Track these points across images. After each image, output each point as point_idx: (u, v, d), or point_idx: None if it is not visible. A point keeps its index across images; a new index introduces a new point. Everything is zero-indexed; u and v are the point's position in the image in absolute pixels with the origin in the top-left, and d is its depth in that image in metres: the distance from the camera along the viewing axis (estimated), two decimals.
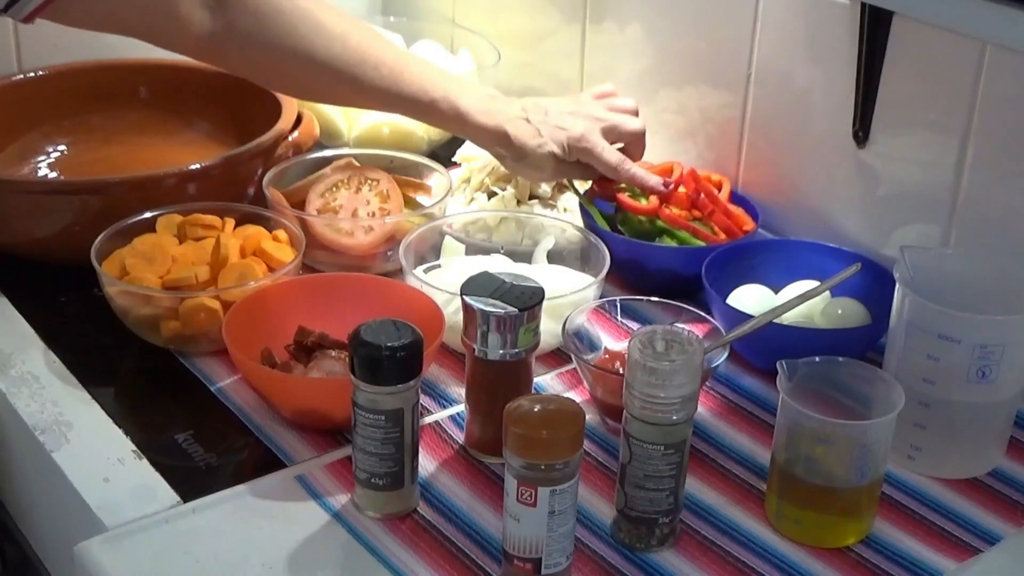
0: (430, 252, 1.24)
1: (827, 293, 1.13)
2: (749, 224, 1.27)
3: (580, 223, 1.29)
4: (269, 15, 1.12)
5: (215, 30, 1.11)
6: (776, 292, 1.18)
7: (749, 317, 1.07)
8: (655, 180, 1.24)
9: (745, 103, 1.32)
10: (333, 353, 1.07)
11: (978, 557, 0.94)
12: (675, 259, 1.23)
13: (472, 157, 1.41)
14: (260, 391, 1.05)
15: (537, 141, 1.21)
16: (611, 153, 1.23)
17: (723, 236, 1.25)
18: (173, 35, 1.13)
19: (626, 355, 0.90)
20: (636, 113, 1.29)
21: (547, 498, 0.84)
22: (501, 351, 0.97)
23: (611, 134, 1.25)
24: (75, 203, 1.23)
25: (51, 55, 1.47)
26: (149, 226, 1.19)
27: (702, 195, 1.27)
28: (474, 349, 0.98)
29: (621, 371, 1.00)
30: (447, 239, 1.25)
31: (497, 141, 1.22)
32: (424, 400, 1.08)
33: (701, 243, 1.24)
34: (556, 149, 1.22)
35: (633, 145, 1.27)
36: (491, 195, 1.38)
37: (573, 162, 1.24)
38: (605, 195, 1.28)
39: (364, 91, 1.18)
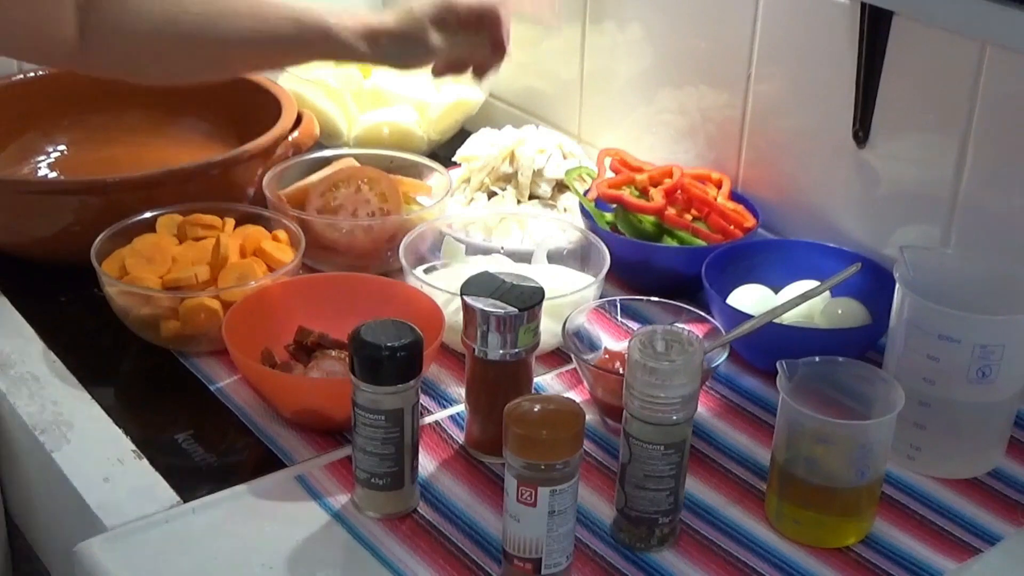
0: (430, 252, 1.24)
1: (827, 293, 1.13)
2: (750, 221, 1.27)
3: (580, 223, 1.29)
4: (132, 2, 1.08)
5: (84, 31, 1.06)
6: (776, 292, 1.18)
7: (749, 317, 1.07)
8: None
9: (745, 103, 1.32)
10: (333, 353, 1.07)
11: (978, 557, 0.94)
12: (675, 259, 1.23)
13: (472, 157, 1.41)
14: (260, 391, 1.05)
15: (413, 17, 1.14)
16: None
17: (720, 237, 1.25)
18: (48, 48, 1.09)
19: (626, 355, 0.90)
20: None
21: (547, 498, 0.84)
22: (501, 351, 0.97)
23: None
24: (75, 203, 1.23)
25: None
26: (149, 226, 1.19)
27: (692, 208, 1.28)
28: (474, 349, 0.98)
29: (621, 371, 1.00)
30: (447, 239, 1.25)
31: (370, 41, 1.14)
32: (424, 400, 1.08)
33: (701, 243, 1.24)
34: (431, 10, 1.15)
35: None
36: (491, 195, 1.38)
37: (455, 29, 1.16)
38: (606, 196, 1.28)
39: (230, 44, 1.11)
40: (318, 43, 1.13)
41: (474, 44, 1.20)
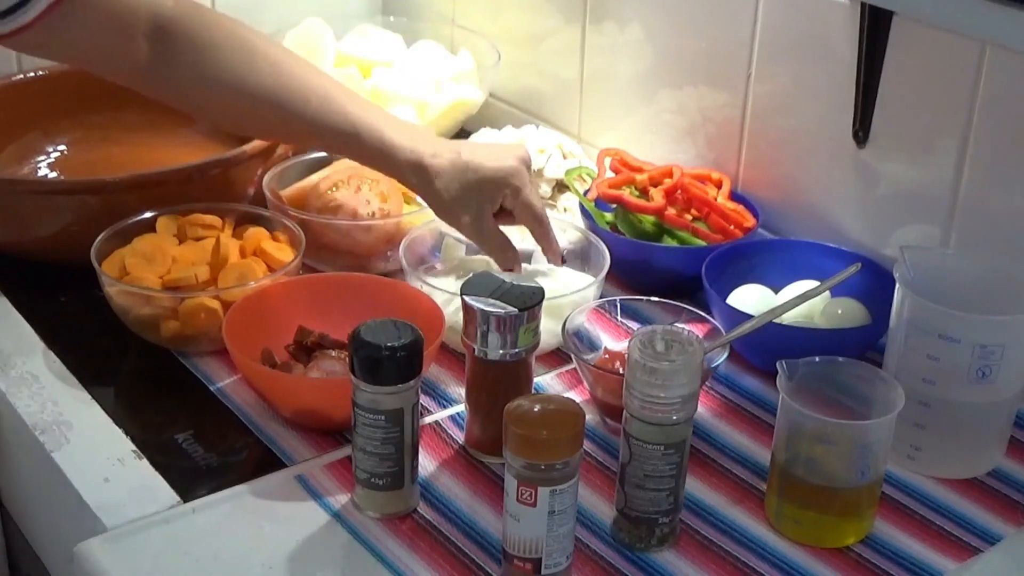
0: (430, 252, 1.24)
1: (827, 293, 1.13)
2: (750, 221, 1.27)
3: (580, 223, 1.29)
4: (207, 48, 1.11)
5: (154, 63, 1.10)
6: (776, 292, 1.18)
7: (749, 317, 1.07)
8: (557, 250, 1.17)
9: (745, 103, 1.32)
10: (333, 353, 1.07)
11: (978, 557, 0.94)
12: (675, 259, 1.23)
13: None
14: (260, 391, 1.05)
15: (463, 177, 1.12)
16: (537, 197, 1.15)
17: (720, 237, 1.25)
18: (118, 67, 1.12)
19: (626, 355, 0.90)
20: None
21: (547, 498, 0.84)
22: (501, 351, 0.97)
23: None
24: (75, 203, 1.23)
25: None
26: (149, 226, 1.19)
27: (692, 208, 1.28)
28: (474, 349, 0.98)
29: (621, 371, 1.00)
30: (447, 239, 1.25)
31: (417, 177, 1.13)
32: (424, 400, 1.08)
33: (701, 243, 1.24)
34: (477, 180, 1.12)
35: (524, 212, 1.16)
36: None
37: (487, 200, 1.13)
38: (606, 196, 1.28)
39: (293, 123, 1.14)
40: (371, 156, 1.14)
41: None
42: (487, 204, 1.13)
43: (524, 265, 1.22)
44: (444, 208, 1.14)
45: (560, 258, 1.17)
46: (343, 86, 1.17)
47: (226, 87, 1.12)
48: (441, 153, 1.13)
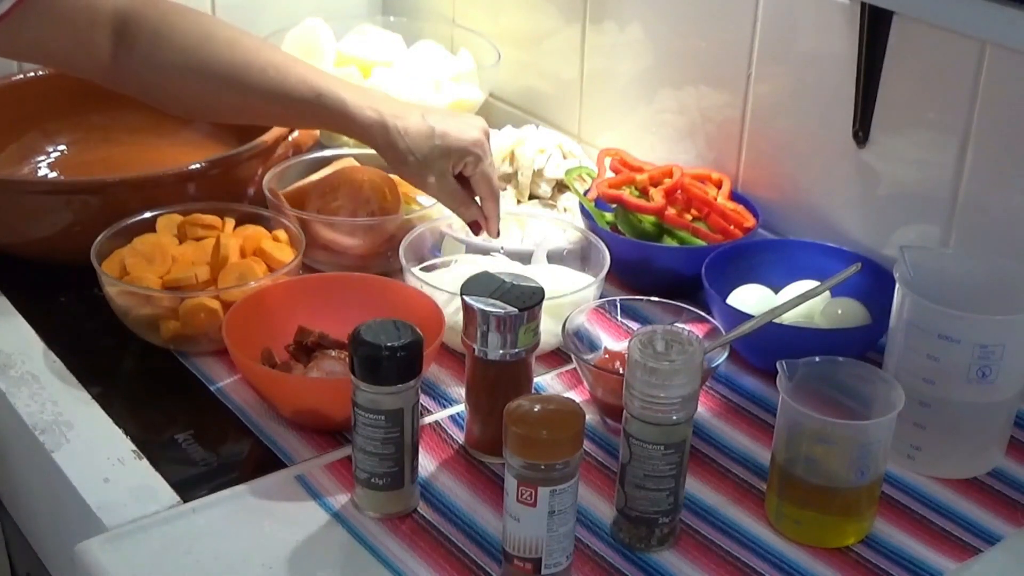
0: (430, 252, 1.24)
1: (827, 293, 1.13)
2: (750, 220, 1.27)
3: (580, 223, 1.29)
4: (164, 35, 1.15)
5: (117, 55, 1.14)
6: (776, 292, 1.18)
7: (749, 317, 1.07)
8: (496, 226, 1.21)
9: (745, 103, 1.32)
10: (333, 353, 1.07)
11: (978, 557, 0.94)
12: (675, 259, 1.23)
13: None
14: (260, 391, 1.05)
15: (430, 143, 1.16)
16: (494, 170, 1.21)
17: (720, 237, 1.25)
18: (84, 64, 1.15)
19: (626, 355, 0.90)
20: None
21: (547, 498, 0.84)
22: (501, 351, 0.97)
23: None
24: (75, 203, 1.23)
25: None
26: (149, 226, 1.19)
27: (692, 208, 1.28)
28: (474, 349, 0.98)
29: (621, 371, 1.00)
30: (447, 239, 1.25)
31: (375, 135, 1.17)
32: (424, 400, 1.08)
33: (701, 243, 1.24)
34: (435, 150, 1.17)
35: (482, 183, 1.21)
36: None
37: (448, 169, 1.18)
38: (606, 196, 1.28)
39: (252, 95, 1.16)
40: (335, 119, 1.18)
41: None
42: (450, 168, 1.19)
43: (522, 265, 1.22)
44: (409, 168, 1.19)
45: (496, 232, 1.22)
46: (300, 60, 1.20)
47: (185, 71, 1.15)
48: (404, 115, 1.17)
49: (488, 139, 1.21)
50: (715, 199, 1.28)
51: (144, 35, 1.14)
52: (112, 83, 1.18)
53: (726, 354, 1.06)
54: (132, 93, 1.20)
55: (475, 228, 1.22)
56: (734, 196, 1.32)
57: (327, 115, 1.17)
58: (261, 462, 1.01)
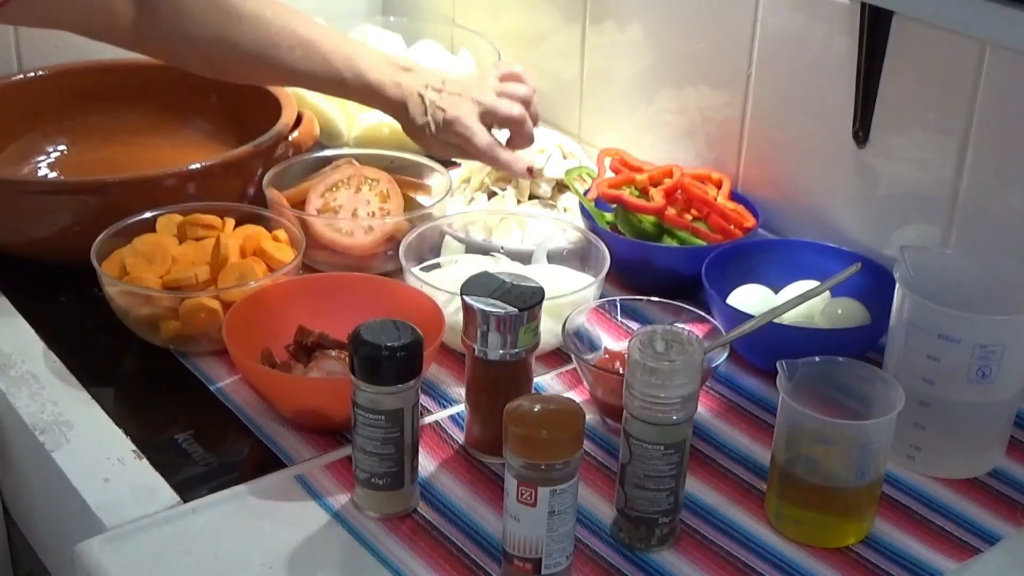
0: (430, 252, 1.24)
1: (827, 293, 1.13)
2: (750, 220, 1.27)
3: (580, 223, 1.29)
4: (188, 5, 1.17)
5: (139, 22, 1.16)
6: (776, 292, 1.18)
7: (749, 317, 1.07)
8: (520, 167, 1.26)
9: (745, 103, 1.32)
10: (333, 353, 1.07)
11: (978, 557, 0.94)
12: (675, 259, 1.23)
13: None
14: (260, 391, 1.05)
15: (422, 120, 1.24)
16: (481, 137, 1.24)
17: (720, 237, 1.25)
18: (104, 27, 1.18)
19: (626, 355, 0.90)
20: (528, 102, 1.29)
21: (547, 498, 0.84)
22: (501, 351, 0.97)
23: (488, 118, 1.26)
24: (75, 203, 1.23)
25: (51, 55, 1.47)
26: (149, 226, 1.19)
27: (692, 208, 1.28)
28: (474, 349, 0.98)
29: (621, 371, 1.00)
30: (447, 239, 1.25)
31: (399, 114, 1.26)
32: (424, 400, 1.08)
33: (701, 243, 1.24)
34: (434, 128, 1.24)
35: (513, 131, 1.28)
36: (491, 195, 1.38)
37: (453, 144, 1.26)
38: (606, 196, 1.28)
39: (280, 72, 1.23)
40: (359, 97, 1.26)
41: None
42: (457, 139, 1.25)
43: (524, 265, 1.22)
44: (429, 140, 1.26)
45: (528, 170, 1.28)
46: (323, 29, 1.24)
47: (209, 43, 1.18)
48: (419, 88, 1.24)
49: (475, 112, 1.24)
50: (715, 199, 1.28)
51: (165, 2, 1.16)
52: (137, 49, 1.21)
53: (726, 354, 1.06)
54: (153, 56, 1.24)
55: (529, 172, 1.27)
56: (734, 196, 1.32)
57: (353, 93, 1.25)
58: (261, 462, 1.01)
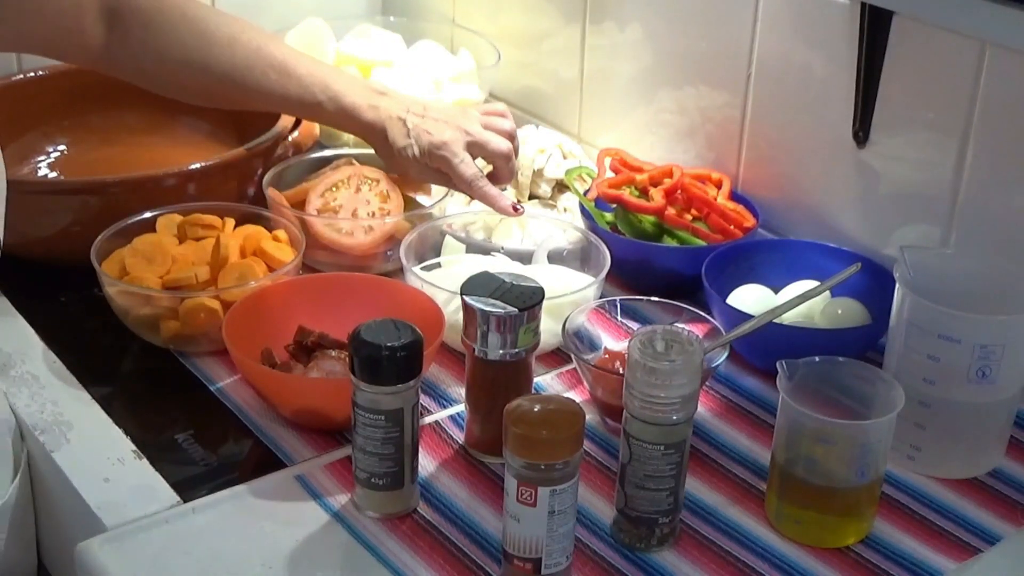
0: (430, 252, 1.24)
1: (827, 293, 1.13)
2: (749, 220, 1.27)
3: (580, 223, 1.29)
4: (160, 27, 1.15)
5: (110, 43, 1.14)
6: (776, 292, 1.18)
7: (749, 317, 1.07)
8: (504, 203, 1.23)
9: (745, 103, 1.32)
10: (333, 353, 1.07)
11: (978, 557, 0.94)
12: (675, 259, 1.23)
13: None
14: (260, 391, 1.05)
15: (404, 142, 1.22)
16: (467, 166, 1.22)
17: (720, 237, 1.25)
18: (74, 48, 1.15)
19: (626, 355, 0.90)
20: (512, 138, 1.28)
21: (547, 498, 0.84)
22: (501, 351, 0.97)
23: (475, 149, 1.24)
24: (75, 203, 1.23)
25: None
26: (149, 226, 1.19)
27: (692, 208, 1.28)
28: (474, 349, 0.98)
29: (621, 371, 1.00)
30: (447, 239, 1.25)
31: (376, 138, 1.24)
32: (424, 400, 1.08)
33: (701, 243, 1.24)
34: (417, 152, 1.22)
35: (499, 166, 1.26)
36: None
37: (434, 168, 1.23)
38: (606, 196, 1.28)
39: (253, 95, 1.21)
40: (334, 121, 1.24)
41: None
42: (435, 166, 1.23)
43: (524, 265, 1.22)
44: (404, 166, 1.24)
45: (513, 208, 1.24)
46: (298, 53, 1.23)
47: (181, 65, 1.17)
48: (398, 115, 1.22)
49: (462, 141, 1.22)
50: (715, 199, 1.28)
51: (137, 27, 1.14)
52: (109, 70, 1.18)
53: (726, 354, 1.06)
54: (128, 79, 1.21)
55: (514, 210, 1.24)
56: (734, 196, 1.32)
57: (328, 117, 1.24)
58: (261, 462, 1.01)
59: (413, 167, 1.24)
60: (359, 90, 1.23)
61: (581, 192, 1.31)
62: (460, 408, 1.07)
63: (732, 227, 1.25)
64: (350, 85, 1.23)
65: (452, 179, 1.23)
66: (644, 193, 1.29)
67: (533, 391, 1.04)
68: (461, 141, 1.23)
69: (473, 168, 1.23)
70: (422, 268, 1.19)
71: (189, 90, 1.22)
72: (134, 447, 1.02)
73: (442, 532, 0.94)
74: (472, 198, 1.26)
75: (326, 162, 1.34)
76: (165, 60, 1.16)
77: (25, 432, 1.05)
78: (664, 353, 0.88)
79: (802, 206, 1.30)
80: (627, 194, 1.27)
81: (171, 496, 0.97)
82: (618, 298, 1.15)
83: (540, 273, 1.16)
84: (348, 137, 1.50)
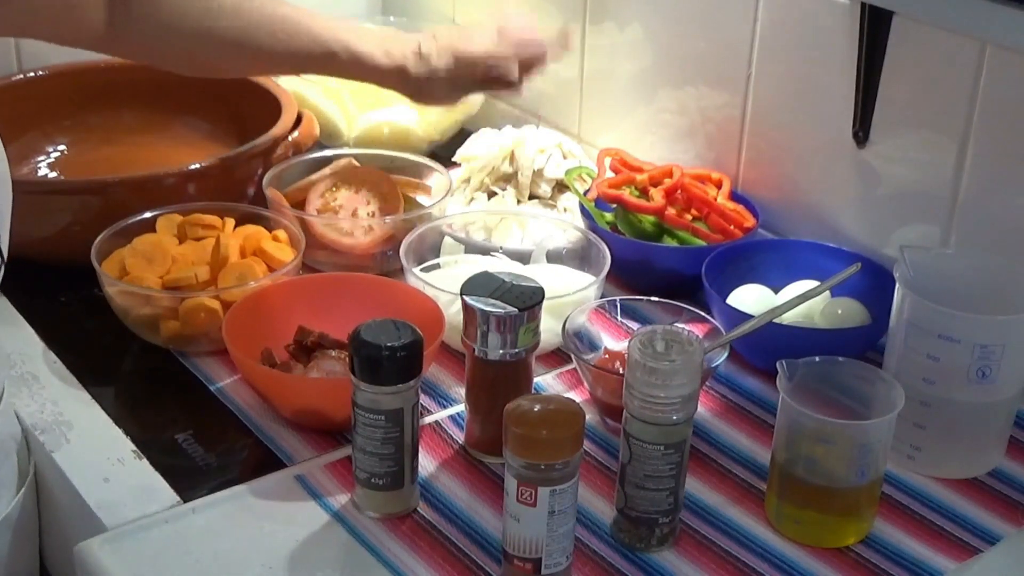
0: (430, 252, 1.24)
1: (827, 293, 1.13)
2: (750, 221, 1.27)
3: (580, 223, 1.29)
4: (161, 1, 1.12)
5: (113, 19, 1.10)
6: (776, 292, 1.18)
7: (749, 317, 1.07)
8: (545, 45, 1.25)
9: (745, 103, 1.32)
10: (333, 353, 1.07)
11: (978, 557, 0.94)
12: (675, 259, 1.23)
13: (472, 157, 1.41)
14: (260, 391, 1.05)
15: (427, 68, 1.20)
16: (494, 46, 1.22)
17: (720, 237, 1.25)
18: (77, 28, 1.11)
19: (626, 355, 0.90)
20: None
21: (547, 498, 0.84)
22: (501, 351, 0.97)
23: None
24: (75, 203, 1.23)
25: (51, 55, 1.46)
26: (149, 226, 1.19)
27: (692, 208, 1.28)
28: (474, 349, 0.98)
29: (621, 371, 1.00)
30: (447, 239, 1.25)
31: (398, 80, 1.21)
32: (424, 400, 1.08)
33: (701, 243, 1.24)
34: (443, 72, 1.21)
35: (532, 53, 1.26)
36: (491, 195, 1.38)
37: (465, 76, 1.22)
38: (606, 196, 1.28)
39: (263, 58, 1.18)
40: (350, 71, 1.20)
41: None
42: (471, 84, 1.24)
43: (524, 265, 1.22)
44: (436, 98, 1.23)
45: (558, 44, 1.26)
46: (302, 9, 1.19)
47: (187, 36, 1.13)
48: (411, 48, 1.20)
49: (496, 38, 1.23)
50: (715, 199, 1.29)
51: (140, 1, 1.11)
52: (110, 49, 1.15)
53: (726, 354, 1.06)
54: (134, 58, 1.19)
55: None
56: (734, 196, 1.32)
57: (342, 68, 1.19)
58: (261, 462, 1.01)
59: (441, 89, 1.22)
60: (371, 37, 1.21)
61: (581, 192, 1.31)
62: (460, 408, 1.07)
63: (732, 227, 1.25)
64: (362, 33, 1.21)
65: (485, 73, 1.22)
66: (644, 193, 1.29)
67: (533, 391, 1.04)
68: (480, 41, 1.22)
69: (500, 47, 1.23)
70: (422, 268, 1.19)
71: (197, 61, 1.18)
72: (134, 447, 1.02)
73: (442, 532, 0.94)
74: (517, 80, 1.25)
75: (326, 162, 1.34)
76: (170, 32, 1.13)
77: (25, 432, 1.05)
78: (664, 353, 0.88)
79: (802, 206, 1.30)
80: (627, 194, 1.27)
81: (171, 496, 0.97)
82: (618, 298, 1.15)
83: (540, 273, 1.16)
84: (348, 137, 1.50)
